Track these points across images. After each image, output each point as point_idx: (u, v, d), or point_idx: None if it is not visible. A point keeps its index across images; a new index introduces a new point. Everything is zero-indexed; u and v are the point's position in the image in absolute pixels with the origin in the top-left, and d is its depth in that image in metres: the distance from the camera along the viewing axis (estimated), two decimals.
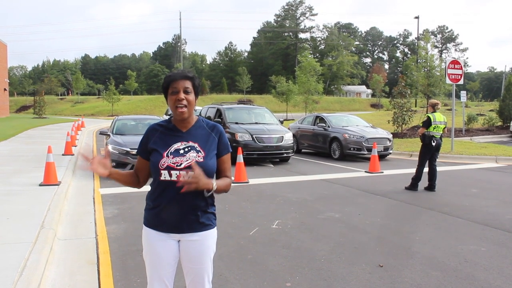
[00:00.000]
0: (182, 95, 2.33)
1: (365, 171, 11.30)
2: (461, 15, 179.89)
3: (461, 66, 15.71)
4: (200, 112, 16.05)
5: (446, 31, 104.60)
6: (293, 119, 35.19)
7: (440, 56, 77.52)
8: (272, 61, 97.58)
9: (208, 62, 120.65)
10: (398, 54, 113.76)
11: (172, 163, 2.33)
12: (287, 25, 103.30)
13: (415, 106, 35.55)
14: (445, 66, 16.09)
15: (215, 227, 2.54)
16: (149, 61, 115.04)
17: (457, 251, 5.01)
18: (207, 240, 2.47)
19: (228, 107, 14.85)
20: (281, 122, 14.86)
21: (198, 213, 2.41)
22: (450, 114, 16.45)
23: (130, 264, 4.54)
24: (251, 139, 12.69)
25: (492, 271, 4.38)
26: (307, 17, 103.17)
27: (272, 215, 6.71)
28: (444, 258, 4.78)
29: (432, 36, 71.82)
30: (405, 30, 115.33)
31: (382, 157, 14.05)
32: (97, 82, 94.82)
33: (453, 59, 16.22)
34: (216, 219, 2.55)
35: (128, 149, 9.86)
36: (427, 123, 8.83)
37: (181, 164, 2.33)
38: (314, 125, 16.00)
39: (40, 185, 8.19)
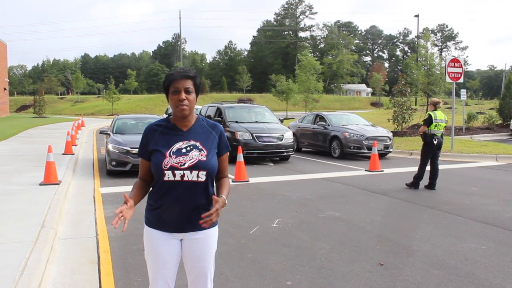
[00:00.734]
0: (184, 95, 2.33)
1: (365, 170, 11.30)
2: (461, 14, 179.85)
3: (461, 65, 15.71)
4: (200, 111, 16.05)
5: (446, 29, 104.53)
6: (293, 118, 35.19)
7: (440, 54, 77.49)
8: (272, 60, 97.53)
9: (208, 61, 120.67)
10: (398, 53, 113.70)
11: (176, 163, 2.33)
12: (287, 24, 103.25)
13: (415, 105, 35.52)
14: (445, 65, 16.08)
15: (217, 225, 2.55)
16: (149, 60, 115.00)
17: (457, 249, 5.01)
18: (209, 238, 2.48)
19: (228, 106, 14.85)
20: (281, 121, 14.85)
21: (200, 212, 2.41)
22: (450, 113, 16.45)
23: (130, 263, 4.54)
24: (251, 138, 12.69)
25: (492, 269, 4.39)
26: (307, 16, 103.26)
27: (272, 214, 6.72)
28: (444, 256, 4.78)
29: (432, 35, 71.89)
30: (405, 28, 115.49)
31: (382, 155, 14.06)
32: (97, 81, 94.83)
33: (453, 57, 16.22)
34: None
35: (128, 148, 9.86)
36: (428, 121, 8.81)
37: (184, 163, 2.33)
38: (314, 123, 16.01)
39: (41, 184, 8.20)
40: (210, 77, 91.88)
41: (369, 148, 13.20)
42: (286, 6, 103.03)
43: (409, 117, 21.27)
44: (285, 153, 13.11)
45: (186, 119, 2.43)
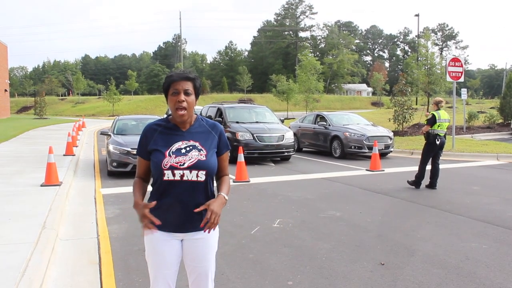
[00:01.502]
0: (183, 97, 2.33)
1: (366, 169, 11.30)
2: (462, 13, 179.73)
3: (461, 64, 15.70)
4: (201, 112, 16.06)
5: (447, 28, 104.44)
6: (294, 118, 35.14)
7: (441, 53, 77.17)
8: (272, 60, 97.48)
9: (208, 62, 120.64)
10: (398, 52, 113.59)
11: (175, 163, 2.33)
12: (287, 24, 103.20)
13: (416, 104, 35.49)
14: (446, 64, 16.08)
15: (217, 225, 2.55)
16: (150, 61, 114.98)
17: (459, 249, 5.01)
18: (210, 238, 2.48)
19: (228, 106, 14.85)
20: (282, 121, 14.86)
21: (201, 212, 2.42)
22: (451, 112, 16.44)
23: (132, 264, 4.54)
24: (252, 138, 12.70)
25: (493, 269, 4.38)
26: (307, 16, 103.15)
27: (273, 214, 6.72)
28: (445, 255, 4.78)
29: (433, 34, 71.83)
30: (405, 28, 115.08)
31: (383, 155, 14.06)
32: (98, 83, 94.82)
33: (454, 56, 16.21)
34: None
35: (129, 149, 9.87)
36: (432, 121, 8.75)
37: (184, 163, 2.33)
38: (315, 123, 16.01)
39: (42, 185, 8.20)
40: (210, 78, 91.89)
41: (370, 148, 13.19)
42: (286, 6, 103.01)
43: (410, 116, 21.27)
44: (286, 153, 13.11)
45: (186, 121, 2.44)
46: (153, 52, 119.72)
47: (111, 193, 8.27)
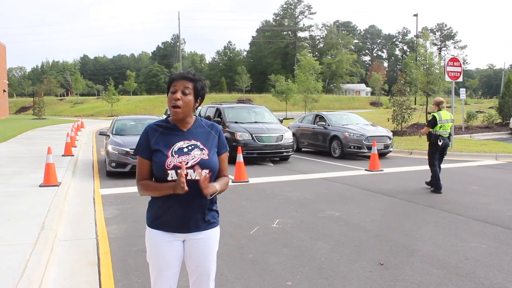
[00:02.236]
0: (179, 95, 2.33)
1: (365, 169, 11.30)
2: (460, 13, 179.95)
3: (460, 64, 15.72)
4: (199, 112, 16.04)
5: (445, 28, 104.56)
6: (293, 118, 35.13)
7: (439, 53, 77.51)
8: (271, 60, 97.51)
9: (207, 62, 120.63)
10: (397, 52, 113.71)
11: (179, 162, 2.32)
12: (286, 24, 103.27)
13: (415, 104, 35.53)
14: (444, 64, 16.09)
15: (219, 225, 2.55)
16: (148, 61, 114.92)
17: (458, 249, 5.01)
18: (212, 238, 2.49)
19: (227, 107, 14.85)
20: (281, 121, 14.86)
21: (204, 211, 2.42)
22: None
23: (131, 265, 4.53)
24: (251, 138, 12.69)
25: (492, 268, 4.39)
26: (305, 16, 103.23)
27: (272, 214, 6.71)
28: (444, 255, 4.78)
29: (431, 34, 71.59)
30: (404, 28, 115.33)
31: (382, 155, 14.07)
32: (97, 83, 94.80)
33: (452, 56, 16.23)
34: (219, 216, 2.57)
35: (128, 149, 9.85)
36: (432, 122, 8.53)
37: (187, 162, 2.32)
38: (314, 123, 15.98)
39: (40, 186, 8.18)
40: (209, 78, 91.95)
41: (369, 148, 13.16)
42: (285, 6, 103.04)
43: (409, 116, 21.29)
44: (285, 153, 13.11)
45: (185, 120, 2.44)
46: (151, 52, 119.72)
47: (110, 194, 8.25)
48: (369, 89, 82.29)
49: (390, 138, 14.30)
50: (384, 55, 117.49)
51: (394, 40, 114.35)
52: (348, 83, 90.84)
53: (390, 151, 14.50)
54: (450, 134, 8.68)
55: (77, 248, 5.11)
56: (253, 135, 12.74)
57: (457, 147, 15.07)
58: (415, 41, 46.66)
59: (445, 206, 7.20)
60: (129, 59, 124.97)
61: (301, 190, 8.63)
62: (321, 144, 15.18)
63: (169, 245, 2.42)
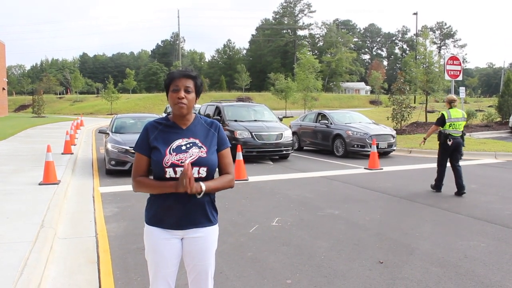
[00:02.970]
0: (183, 94, 2.34)
1: (365, 168, 11.30)
2: (460, 11, 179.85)
3: (459, 62, 15.74)
4: (199, 110, 16.04)
5: (445, 27, 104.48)
6: (292, 116, 35.08)
7: (439, 52, 77.48)
8: (270, 58, 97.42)
9: (206, 60, 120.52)
10: (396, 51, 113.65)
11: (176, 160, 2.33)
12: (286, 22, 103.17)
13: (414, 103, 35.55)
14: (444, 62, 16.11)
15: (217, 223, 2.55)
16: (148, 59, 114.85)
17: (457, 247, 5.02)
18: (210, 236, 2.49)
19: (227, 105, 14.85)
20: (280, 120, 14.85)
21: (202, 209, 2.42)
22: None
23: (130, 263, 4.54)
24: (250, 136, 12.69)
25: (491, 267, 4.39)
26: (305, 14, 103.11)
27: (272, 212, 6.72)
28: (444, 254, 4.78)
29: (431, 32, 71.55)
30: (403, 26, 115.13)
31: (385, 153, 14.05)
32: (96, 81, 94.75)
33: (452, 55, 16.24)
34: (217, 214, 2.57)
35: (128, 148, 9.84)
36: (440, 120, 8.21)
37: (185, 160, 2.33)
38: (316, 122, 15.83)
39: (40, 184, 8.18)
40: (209, 76, 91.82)
41: None
42: (284, 4, 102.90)
43: (408, 115, 21.28)
44: (284, 152, 13.11)
45: (185, 118, 2.44)
46: (151, 51, 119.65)
47: (109, 192, 8.25)
48: (368, 87, 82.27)
49: (393, 137, 14.17)
50: (384, 53, 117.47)
51: (393, 38, 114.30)
52: (347, 81, 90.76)
53: (394, 150, 14.38)
54: (463, 133, 8.25)
55: (76, 246, 5.11)
56: (253, 133, 12.74)
57: None
58: (415, 40, 46.68)
59: (444, 205, 7.21)
60: (128, 57, 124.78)
61: (300, 189, 8.63)
62: (324, 142, 15.03)
63: (167, 243, 2.43)
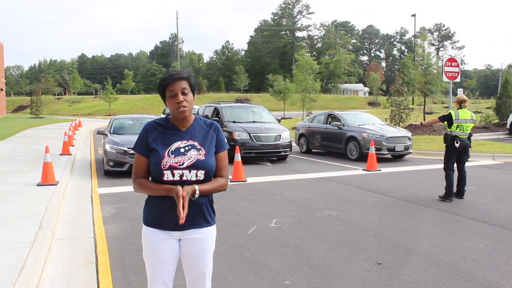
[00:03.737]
0: (181, 97, 2.33)
1: (363, 169, 11.31)
2: (458, 13, 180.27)
3: (458, 64, 15.77)
4: (198, 111, 16.04)
5: (443, 28, 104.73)
6: (291, 118, 35.16)
7: (437, 53, 77.65)
8: (269, 59, 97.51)
9: (205, 61, 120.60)
10: (395, 52, 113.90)
11: (174, 163, 2.32)
12: (284, 23, 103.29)
13: (412, 104, 35.62)
14: (442, 64, 16.14)
15: (215, 224, 2.55)
16: (146, 60, 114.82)
17: (455, 248, 5.03)
18: (208, 237, 2.49)
19: (225, 106, 14.84)
20: (279, 121, 14.84)
21: (200, 210, 2.42)
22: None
23: (128, 263, 4.54)
24: (249, 137, 12.70)
25: (489, 268, 4.40)
26: (304, 16, 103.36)
27: (270, 213, 6.72)
28: (442, 255, 4.79)
29: (429, 34, 71.61)
30: (402, 28, 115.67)
31: (401, 156, 13.68)
32: (94, 82, 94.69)
33: (450, 56, 16.27)
34: (215, 215, 2.57)
35: (126, 149, 9.83)
36: (446, 118, 7.86)
37: (183, 163, 2.33)
38: (326, 123, 15.04)
39: (38, 185, 8.17)
40: (207, 77, 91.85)
41: (390, 149, 12.85)
42: (283, 5, 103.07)
43: (406, 116, 21.32)
44: (283, 153, 13.11)
45: (186, 120, 2.44)
46: (149, 52, 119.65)
47: (107, 193, 8.25)
48: (367, 89, 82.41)
49: (409, 139, 13.53)
50: (382, 55, 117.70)
51: (392, 40, 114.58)
52: (346, 83, 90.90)
53: (410, 152, 13.72)
54: (470, 135, 7.93)
55: (75, 247, 5.11)
56: (251, 134, 12.75)
57: None
58: (413, 41, 46.72)
59: (442, 206, 7.22)
60: (127, 58, 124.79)
61: (299, 190, 8.64)
62: (336, 145, 14.21)
63: (165, 243, 2.43)
